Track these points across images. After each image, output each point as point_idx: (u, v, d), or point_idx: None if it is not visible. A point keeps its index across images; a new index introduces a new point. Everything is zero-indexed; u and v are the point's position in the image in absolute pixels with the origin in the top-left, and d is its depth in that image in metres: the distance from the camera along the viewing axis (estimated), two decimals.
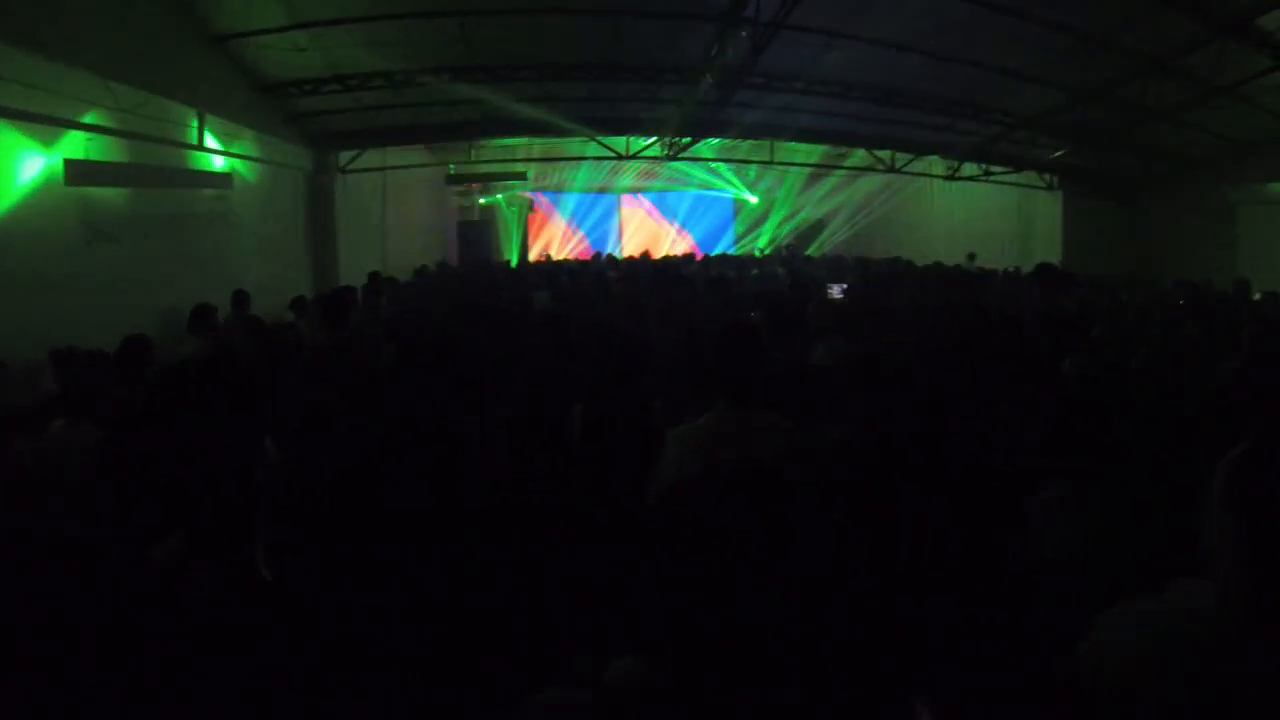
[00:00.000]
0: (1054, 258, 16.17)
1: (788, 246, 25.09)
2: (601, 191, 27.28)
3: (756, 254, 23.86)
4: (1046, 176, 18.26)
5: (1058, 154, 15.87)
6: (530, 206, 26.32)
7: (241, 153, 12.04)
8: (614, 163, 19.79)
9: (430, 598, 2.67)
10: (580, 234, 27.55)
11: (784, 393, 3.99)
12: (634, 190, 27.60)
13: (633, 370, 4.54)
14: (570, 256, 23.88)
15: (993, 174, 18.36)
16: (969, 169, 18.53)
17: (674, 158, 17.70)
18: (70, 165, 8.04)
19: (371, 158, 16.26)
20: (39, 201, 7.68)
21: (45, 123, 7.69)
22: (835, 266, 18.91)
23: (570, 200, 27.41)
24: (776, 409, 3.44)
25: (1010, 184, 18.73)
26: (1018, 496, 2.86)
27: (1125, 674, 1.78)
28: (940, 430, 3.73)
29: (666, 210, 28.38)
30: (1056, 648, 2.13)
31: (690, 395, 4.46)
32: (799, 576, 1.31)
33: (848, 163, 21.50)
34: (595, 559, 3.31)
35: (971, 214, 21.31)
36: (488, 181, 23.02)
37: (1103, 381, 3.99)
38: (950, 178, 18.87)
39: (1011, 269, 15.12)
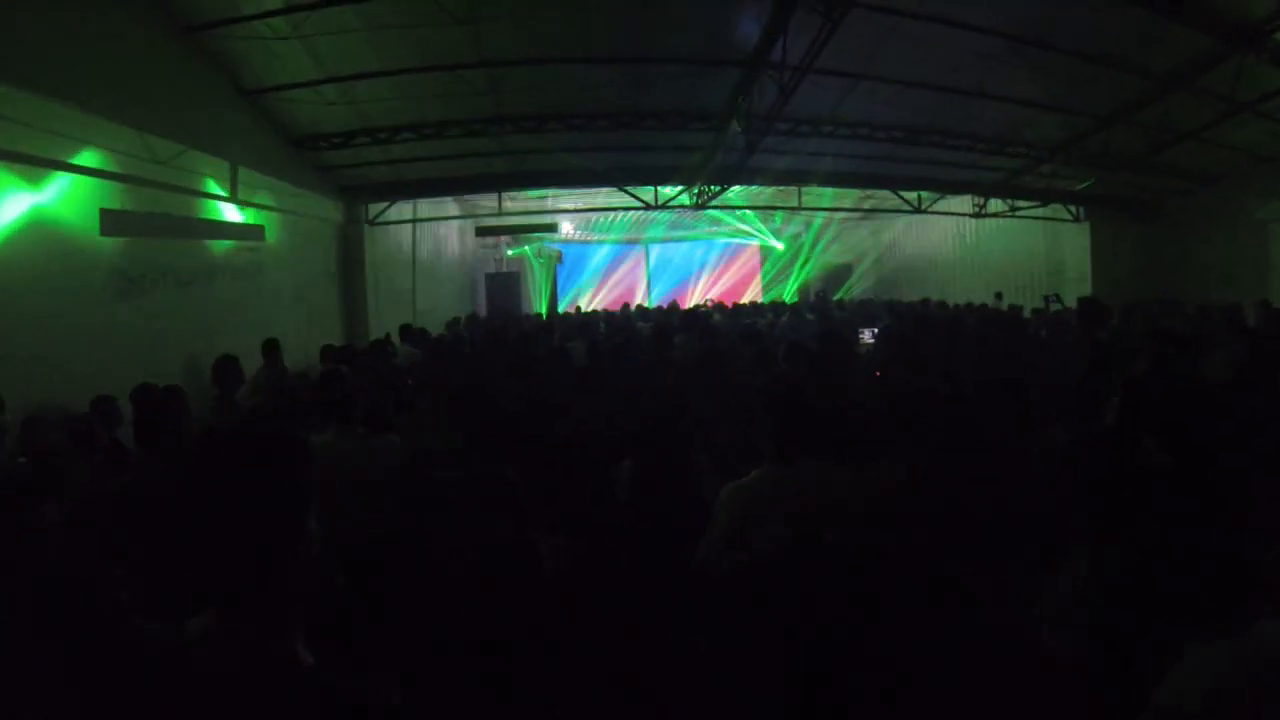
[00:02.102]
0: (1084, 289, 16.02)
1: (817, 293, 25.04)
2: (630, 242, 27.47)
3: (786, 300, 23.79)
4: (1073, 208, 18.14)
5: (1084, 185, 15.75)
6: (559, 258, 26.51)
7: (273, 205, 12.20)
8: (642, 213, 19.89)
9: (480, 679, 2.59)
10: (609, 285, 27.68)
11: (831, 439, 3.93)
12: (662, 240, 27.79)
13: (679, 426, 4.51)
14: (600, 308, 23.97)
15: (1019, 209, 18.26)
16: (995, 206, 18.47)
17: (703, 207, 17.73)
18: (105, 215, 8.16)
19: (401, 209, 16.46)
20: (74, 251, 7.79)
21: (82, 173, 7.83)
22: (865, 311, 18.79)
23: (599, 251, 27.60)
24: (824, 457, 3.42)
25: (1037, 218, 18.62)
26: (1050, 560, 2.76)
27: (1214, 716, 1.68)
28: (980, 486, 3.66)
29: (694, 259, 28.50)
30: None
31: (736, 449, 4.42)
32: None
33: (874, 205, 21.49)
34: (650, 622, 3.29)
35: (1000, 251, 21.21)
36: (517, 234, 23.22)
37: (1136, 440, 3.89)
38: (977, 215, 18.79)
39: (1052, 295, 14.88)
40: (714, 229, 26.58)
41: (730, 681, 2.97)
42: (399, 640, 2.82)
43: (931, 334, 9.89)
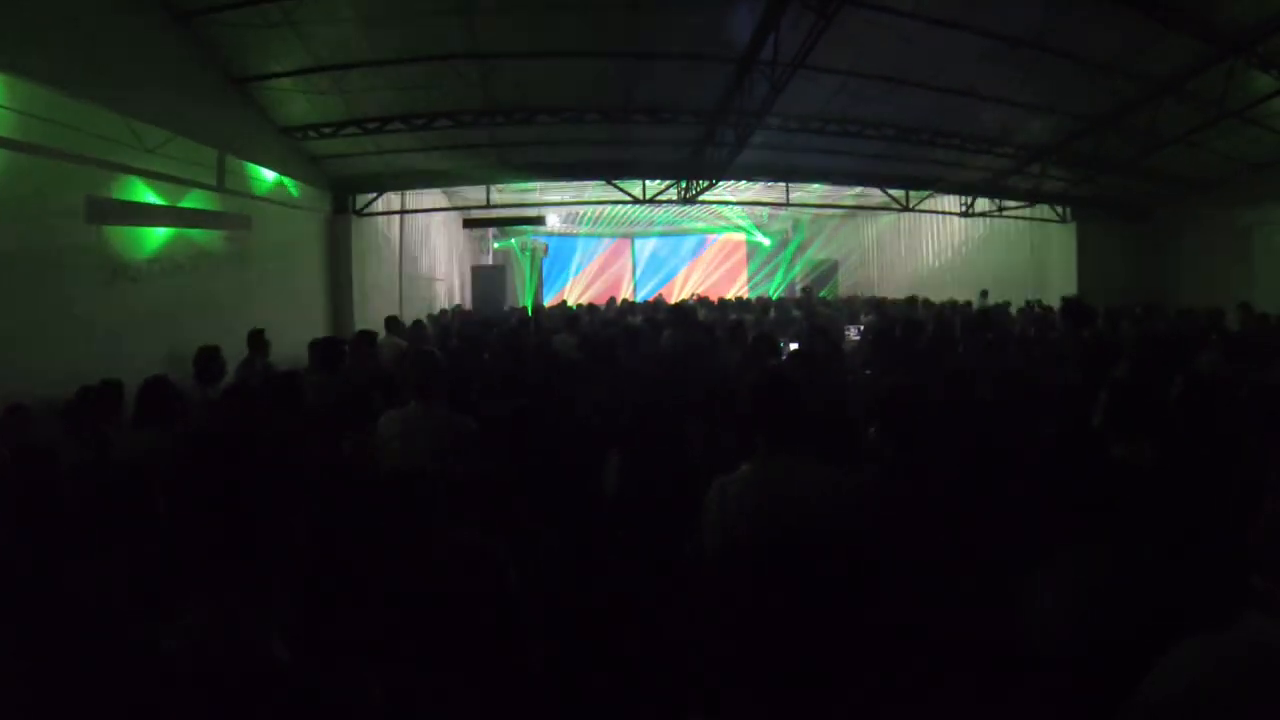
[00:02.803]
0: (1069, 290, 16.13)
1: (804, 288, 25.09)
2: (616, 235, 27.45)
3: (771, 296, 23.83)
4: (1059, 209, 18.27)
5: (1069, 185, 15.84)
6: (544, 251, 26.47)
7: (260, 194, 12.13)
8: (629, 206, 19.86)
9: (465, 672, 2.58)
10: (595, 278, 27.67)
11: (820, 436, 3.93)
12: (648, 234, 27.78)
13: (669, 418, 4.50)
14: (586, 301, 23.98)
15: (1006, 209, 18.36)
16: (982, 205, 18.56)
17: (691, 201, 17.72)
18: (91, 202, 8.09)
19: (388, 201, 16.37)
20: (58, 238, 7.72)
21: (67, 160, 7.75)
22: (850, 308, 18.87)
23: (585, 244, 27.56)
24: (813, 453, 3.40)
25: (1024, 218, 18.74)
26: (1038, 554, 2.77)
27: (1200, 709, 1.69)
28: (967, 477, 3.68)
29: (681, 253, 28.52)
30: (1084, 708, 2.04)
31: (724, 443, 4.41)
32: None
33: (861, 202, 21.55)
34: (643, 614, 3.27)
35: (985, 250, 21.35)
36: (505, 226, 23.15)
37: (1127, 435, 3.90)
38: (964, 214, 18.88)
39: (1033, 299, 15.06)
40: (701, 223, 26.60)
41: (716, 674, 2.97)
42: (379, 637, 2.80)
43: (919, 332, 9.92)
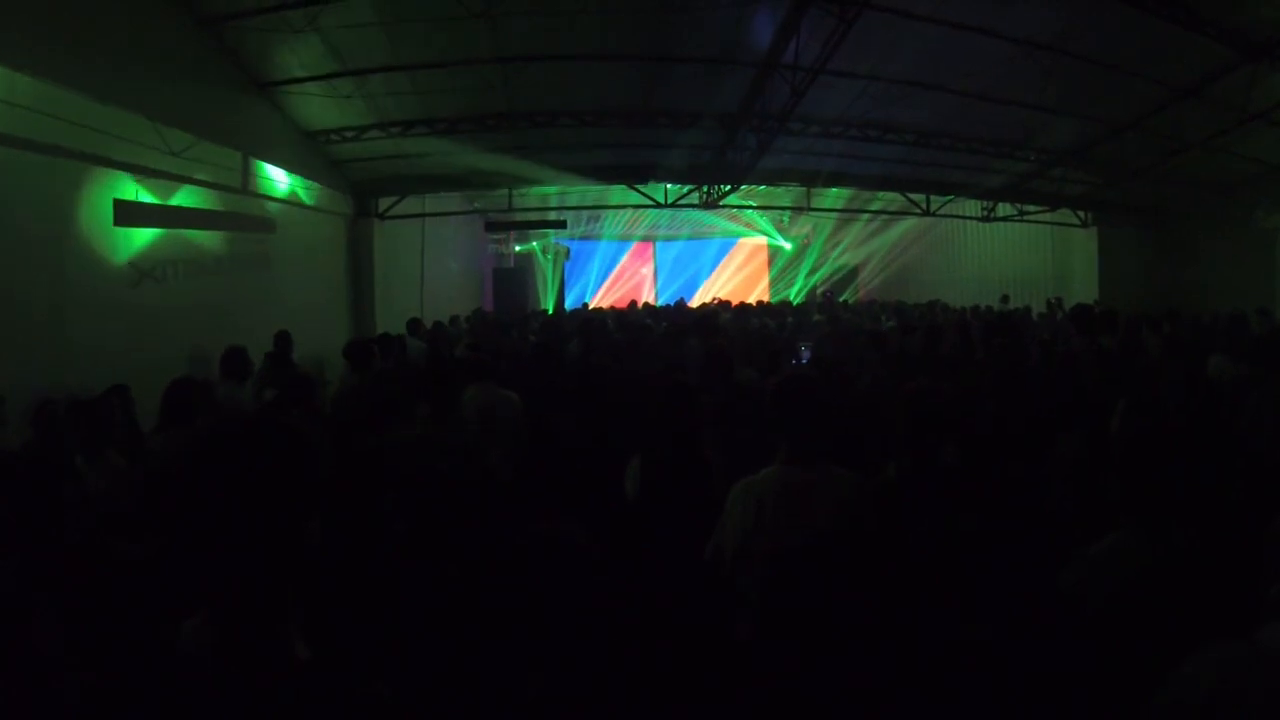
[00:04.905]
0: (1090, 295, 16.02)
1: (825, 293, 24.98)
2: (637, 239, 27.43)
3: (793, 300, 23.75)
4: (1081, 213, 18.14)
5: (1091, 190, 15.72)
6: (566, 254, 26.48)
7: (284, 197, 12.24)
8: (650, 210, 19.86)
9: (481, 675, 2.59)
10: (617, 282, 27.66)
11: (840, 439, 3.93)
12: (669, 237, 27.76)
13: (689, 423, 4.50)
14: (606, 305, 23.97)
15: (1027, 213, 18.25)
16: (1003, 209, 18.46)
17: (712, 206, 17.71)
18: (119, 206, 8.20)
19: (410, 204, 16.45)
20: (87, 241, 7.83)
21: (96, 163, 7.87)
22: (870, 312, 18.77)
23: (606, 248, 27.56)
24: (834, 457, 3.41)
25: (1045, 223, 18.62)
26: (1073, 543, 2.77)
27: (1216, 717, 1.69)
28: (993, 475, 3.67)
29: (702, 257, 28.47)
30: (1121, 693, 2.03)
31: (747, 448, 4.41)
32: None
33: (882, 206, 21.45)
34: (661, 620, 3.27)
35: (1005, 254, 21.21)
36: (526, 229, 23.19)
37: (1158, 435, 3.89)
38: (985, 219, 18.77)
39: (1054, 299, 14.96)
40: (721, 228, 26.56)
41: (737, 678, 2.98)
42: (401, 633, 2.82)
43: (943, 337, 9.87)
